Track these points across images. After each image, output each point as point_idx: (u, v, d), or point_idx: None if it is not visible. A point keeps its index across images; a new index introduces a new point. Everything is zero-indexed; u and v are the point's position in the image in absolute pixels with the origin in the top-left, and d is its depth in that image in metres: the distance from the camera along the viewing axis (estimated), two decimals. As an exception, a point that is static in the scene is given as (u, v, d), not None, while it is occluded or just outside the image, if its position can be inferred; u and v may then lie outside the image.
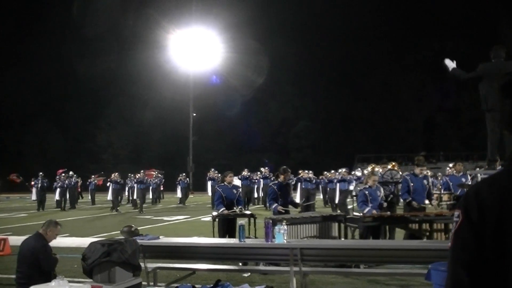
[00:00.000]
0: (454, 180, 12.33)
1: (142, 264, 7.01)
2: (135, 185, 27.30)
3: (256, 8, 56.73)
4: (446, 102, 57.70)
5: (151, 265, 7.50)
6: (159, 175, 31.64)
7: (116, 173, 27.92)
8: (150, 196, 31.24)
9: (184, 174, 31.92)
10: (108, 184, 27.95)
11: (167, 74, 50.66)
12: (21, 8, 62.41)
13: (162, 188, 32.98)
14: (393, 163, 23.64)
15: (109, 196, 26.98)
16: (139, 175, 27.18)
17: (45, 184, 27.77)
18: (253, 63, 56.62)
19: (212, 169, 28.02)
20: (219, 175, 24.78)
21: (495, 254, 1.64)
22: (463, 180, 12.74)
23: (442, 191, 11.42)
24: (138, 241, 7.05)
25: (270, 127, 62.58)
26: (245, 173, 26.61)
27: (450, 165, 13.16)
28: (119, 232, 8.15)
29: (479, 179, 8.90)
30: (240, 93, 58.97)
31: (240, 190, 12.32)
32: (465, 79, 9.03)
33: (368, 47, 61.19)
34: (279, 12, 59.06)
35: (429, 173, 12.36)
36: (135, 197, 28.00)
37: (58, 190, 27.90)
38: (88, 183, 32.34)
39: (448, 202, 10.94)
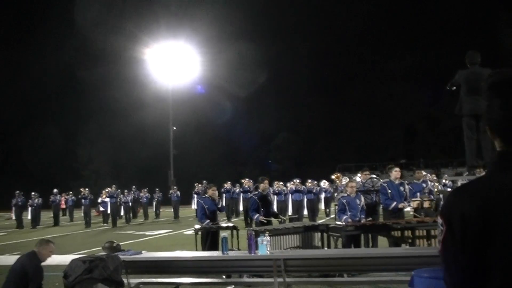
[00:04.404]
0: (415, 187, 12.57)
1: (125, 280, 6.93)
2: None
3: (235, 21, 56.91)
4: (426, 110, 58.27)
5: (134, 280, 7.43)
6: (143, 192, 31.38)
7: (113, 186, 27.80)
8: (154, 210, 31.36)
9: (175, 187, 31.82)
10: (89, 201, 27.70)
11: (147, 88, 50.49)
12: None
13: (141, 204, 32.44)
14: (338, 174, 23.73)
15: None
16: (109, 189, 27.14)
17: (20, 203, 27.56)
18: (233, 76, 56.71)
19: (204, 182, 27.47)
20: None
21: (477, 260, 1.66)
22: (424, 185, 13.17)
23: (424, 198, 11.49)
24: (120, 256, 7.00)
25: (250, 139, 62.55)
26: (227, 186, 26.54)
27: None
28: (100, 248, 8.07)
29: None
30: (220, 106, 58.98)
31: (220, 200, 12.32)
32: (449, 87, 9.14)
33: (348, 56, 61.70)
34: (258, 24, 59.27)
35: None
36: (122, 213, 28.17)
37: (29, 209, 27.81)
38: (66, 200, 32.04)
39: (418, 207, 11.05)
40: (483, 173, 1.99)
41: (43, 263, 6.94)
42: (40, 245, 6.90)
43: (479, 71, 8.72)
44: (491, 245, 1.64)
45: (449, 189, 12.18)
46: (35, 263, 6.70)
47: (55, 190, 29.57)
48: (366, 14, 59.98)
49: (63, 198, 31.56)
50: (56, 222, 28.23)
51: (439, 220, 1.77)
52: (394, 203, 10.52)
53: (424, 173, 16.51)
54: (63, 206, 32.59)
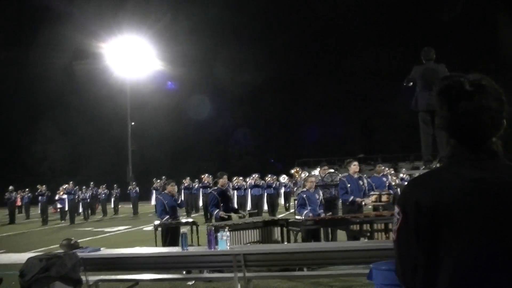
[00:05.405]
0: (375, 181, 12.77)
1: (83, 278, 6.85)
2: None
3: (198, 16, 56.71)
4: (383, 105, 59.01)
5: (93, 278, 7.34)
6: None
7: (71, 182, 27.27)
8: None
9: (134, 183, 31.56)
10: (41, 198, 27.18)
11: (104, 84, 49.77)
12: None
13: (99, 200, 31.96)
14: (297, 169, 24.00)
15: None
16: (67, 186, 26.73)
17: None
18: (192, 71, 56.43)
19: (163, 177, 27.28)
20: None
21: (430, 248, 1.72)
22: (384, 179, 13.36)
23: (382, 192, 11.68)
24: (78, 254, 6.90)
25: (209, 134, 62.38)
26: (186, 182, 26.41)
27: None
28: (58, 245, 7.95)
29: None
30: (179, 101, 58.60)
31: (179, 196, 12.29)
32: (405, 83, 9.25)
33: (307, 53, 62.06)
34: (218, 20, 59.10)
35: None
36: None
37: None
38: (21, 197, 31.39)
39: (380, 203, 11.21)
40: (438, 166, 2.06)
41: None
42: None
43: (434, 67, 8.88)
44: (442, 234, 1.71)
45: (406, 183, 12.36)
46: None
47: (10, 187, 28.97)
48: (324, 14, 60.38)
49: (19, 195, 30.89)
50: (12, 220, 27.67)
51: (396, 209, 1.85)
52: (351, 197, 10.67)
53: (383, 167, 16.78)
54: (19, 203, 31.91)
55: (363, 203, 10.94)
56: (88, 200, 28.61)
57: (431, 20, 52.49)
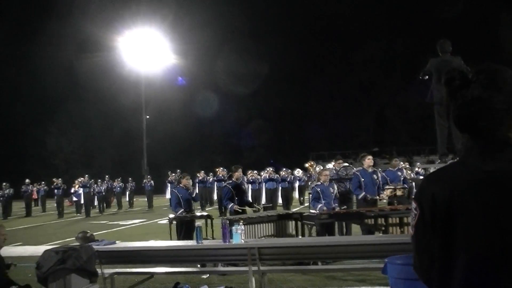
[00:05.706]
0: (390, 174, 12.68)
1: (98, 270, 6.89)
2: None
3: (208, 10, 56.66)
4: (395, 98, 58.71)
5: (108, 270, 7.39)
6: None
7: (86, 176, 27.47)
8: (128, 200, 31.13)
9: (149, 176, 31.73)
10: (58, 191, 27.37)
11: (119, 77, 49.92)
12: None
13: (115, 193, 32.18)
14: (311, 162, 23.92)
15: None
16: (82, 179, 26.87)
17: None
18: (205, 64, 56.48)
19: (178, 171, 27.36)
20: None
21: (446, 242, 1.72)
22: (399, 173, 13.27)
23: (396, 185, 11.60)
24: (94, 246, 6.95)
25: (222, 127, 62.37)
26: (200, 175, 26.46)
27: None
28: (74, 238, 8.01)
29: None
30: (192, 95, 58.68)
31: (194, 189, 12.31)
32: (421, 76, 9.19)
33: (317, 46, 61.72)
34: (230, 14, 58.99)
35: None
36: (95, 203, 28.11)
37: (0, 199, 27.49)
38: (37, 190, 31.64)
39: (394, 193, 11.13)
40: (455, 160, 2.05)
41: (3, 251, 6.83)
42: None
43: (450, 59, 8.81)
44: (458, 228, 1.70)
45: (421, 177, 12.25)
46: None
47: (27, 180, 29.25)
48: (334, 5, 59.95)
49: (35, 188, 31.16)
50: (28, 213, 27.93)
51: (413, 204, 1.84)
52: (363, 194, 10.63)
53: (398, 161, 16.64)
54: (35, 196, 32.20)
55: (378, 198, 10.89)
56: (103, 193, 28.78)
57: (439, 16, 51.99)
